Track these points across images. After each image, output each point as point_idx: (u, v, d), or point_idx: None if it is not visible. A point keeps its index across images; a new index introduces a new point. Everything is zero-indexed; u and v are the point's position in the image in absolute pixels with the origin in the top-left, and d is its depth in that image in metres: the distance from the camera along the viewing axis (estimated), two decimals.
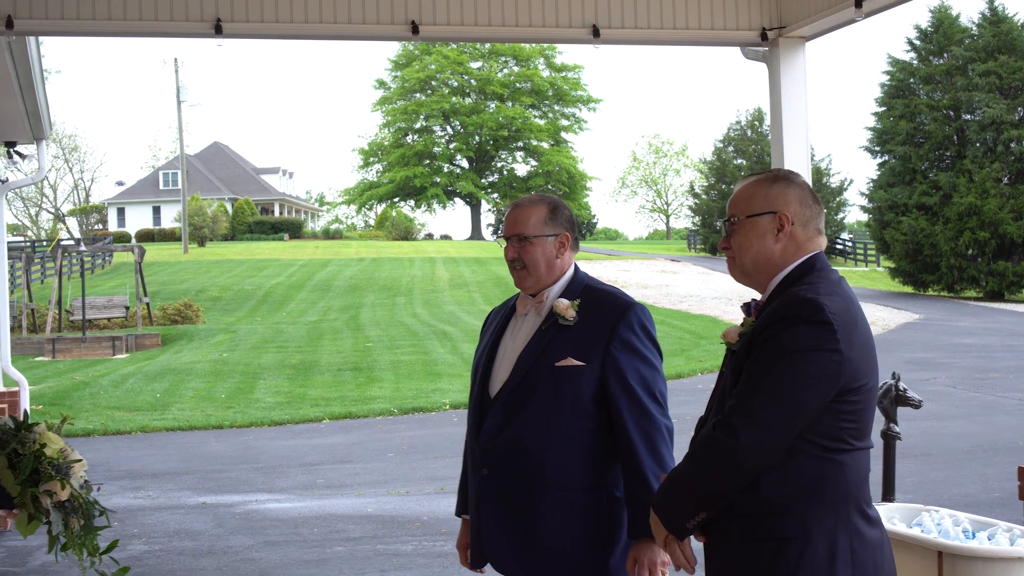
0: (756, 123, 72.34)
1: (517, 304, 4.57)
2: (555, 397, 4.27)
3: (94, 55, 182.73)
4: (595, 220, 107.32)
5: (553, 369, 4.29)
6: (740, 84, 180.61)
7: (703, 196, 75.15)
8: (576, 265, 4.56)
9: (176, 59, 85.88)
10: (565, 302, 4.36)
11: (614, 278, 49.24)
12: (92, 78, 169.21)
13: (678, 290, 44.95)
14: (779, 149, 7.91)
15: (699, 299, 41.09)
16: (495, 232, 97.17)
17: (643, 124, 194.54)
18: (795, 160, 7.88)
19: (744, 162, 71.35)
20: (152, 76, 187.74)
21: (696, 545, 3.67)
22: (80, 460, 3.59)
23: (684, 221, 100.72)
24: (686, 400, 19.85)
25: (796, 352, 3.33)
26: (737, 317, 33.23)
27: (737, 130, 73.21)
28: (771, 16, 7.87)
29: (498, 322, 4.62)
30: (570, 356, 4.28)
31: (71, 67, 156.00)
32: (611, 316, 4.33)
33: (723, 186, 72.03)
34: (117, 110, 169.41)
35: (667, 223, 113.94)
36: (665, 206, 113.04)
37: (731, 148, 73.15)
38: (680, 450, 3.68)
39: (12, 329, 17.79)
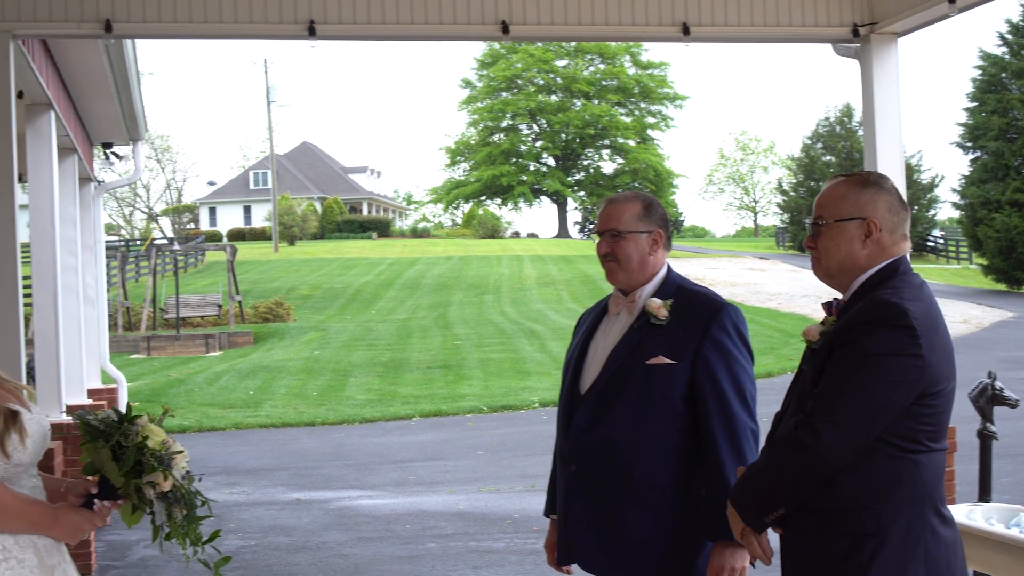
0: (845, 119, 71.35)
1: (609, 304, 4.58)
2: (646, 395, 4.28)
3: (185, 57, 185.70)
4: (682, 218, 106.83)
5: (644, 367, 4.29)
6: (829, 80, 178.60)
7: (791, 193, 74.30)
8: (668, 265, 4.55)
9: (265, 60, 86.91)
10: (657, 301, 4.37)
11: (702, 276, 48.92)
12: (183, 79, 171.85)
13: (767, 288, 44.56)
14: (871, 146, 7.84)
15: (788, 297, 40.73)
16: (582, 230, 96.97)
17: (730, 121, 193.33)
18: (888, 157, 7.80)
19: (833, 159, 70.45)
20: (242, 77, 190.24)
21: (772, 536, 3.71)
22: (182, 451, 3.66)
23: (772, 218, 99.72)
24: (776, 399, 19.63)
25: (879, 355, 3.39)
26: None
27: (826, 126, 72.26)
28: (863, 12, 7.80)
29: (590, 321, 4.64)
30: (661, 355, 4.28)
31: (163, 69, 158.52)
32: (704, 316, 4.33)
33: (812, 183, 71.18)
34: (208, 111, 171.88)
35: (755, 220, 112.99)
36: (753, 203, 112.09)
37: (819, 145, 72.22)
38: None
39: (108, 327, 18.21)
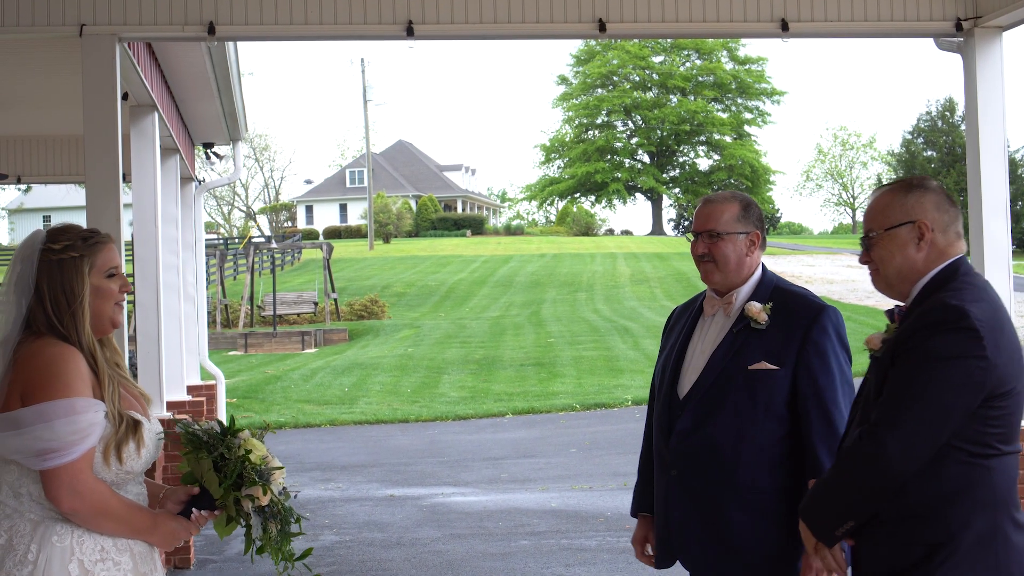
0: (947, 113, 70.30)
1: (704, 305, 4.56)
2: (748, 400, 4.28)
3: (283, 57, 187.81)
4: (778, 214, 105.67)
5: (746, 372, 4.29)
6: (930, 73, 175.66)
7: None
8: (764, 265, 4.54)
9: (363, 59, 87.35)
10: (757, 305, 4.35)
11: (799, 273, 48.41)
12: (281, 79, 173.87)
13: (865, 285, 43.83)
14: (974, 142, 7.70)
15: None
16: (676, 227, 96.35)
17: (829, 116, 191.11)
18: (991, 153, 7.66)
19: (934, 154, 69.42)
20: (339, 76, 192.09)
21: None
22: (281, 468, 3.72)
23: None
24: None
25: (941, 360, 3.35)
26: None
27: (927, 121, 71.25)
28: (966, 6, 7.66)
29: (685, 323, 4.62)
30: (763, 360, 4.28)
31: (262, 69, 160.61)
32: (804, 320, 4.32)
33: None
34: (305, 110, 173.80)
35: (853, 217, 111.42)
36: (851, 199, 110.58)
37: (921, 140, 71.22)
38: None
39: (207, 324, 18.54)
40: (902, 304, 3.64)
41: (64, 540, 3.52)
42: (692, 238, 4.52)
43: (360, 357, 28.87)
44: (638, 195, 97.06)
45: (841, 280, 46.20)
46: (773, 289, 4.44)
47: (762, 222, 4.54)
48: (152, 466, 7.96)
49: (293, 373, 26.18)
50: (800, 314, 4.34)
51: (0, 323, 3.62)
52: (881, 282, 3.70)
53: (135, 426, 3.63)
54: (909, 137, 72.07)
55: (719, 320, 4.47)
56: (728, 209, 4.46)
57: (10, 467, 3.54)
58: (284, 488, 3.74)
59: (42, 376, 3.49)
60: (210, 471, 3.62)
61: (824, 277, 47.36)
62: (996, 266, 7.55)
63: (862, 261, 3.72)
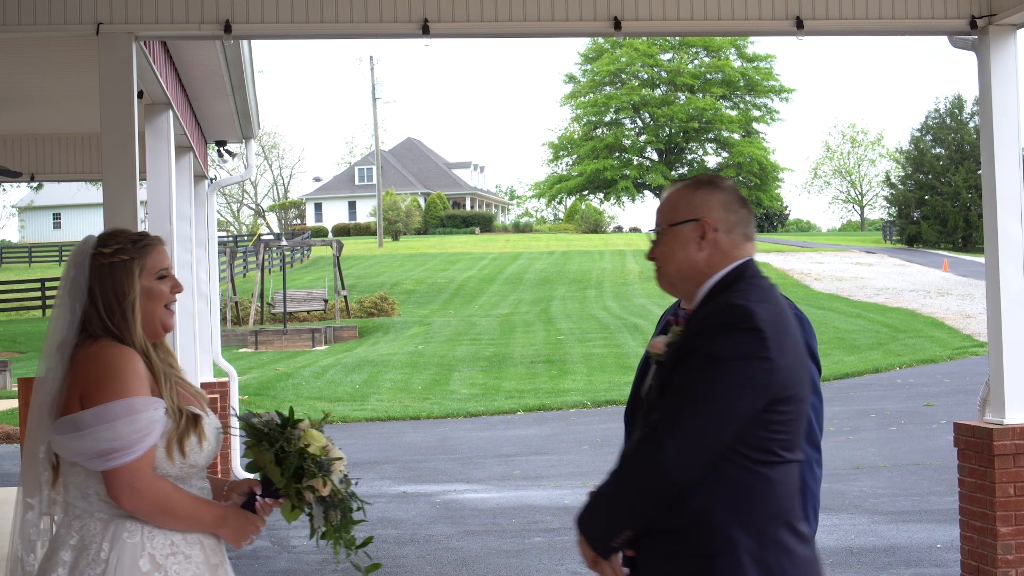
0: (956, 111, 70.08)
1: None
2: None
3: (292, 54, 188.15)
4: (787, 211, 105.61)
5: None
6: (939, 71, 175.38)
7: (899, 186, 73.23)
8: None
9: (371, 57, 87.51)
10: None
11: (807, 270, 48.39)
12: (291, 77, 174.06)
13: (874, 283, 43.90)
14: (989, 140, 7.71)
15: (896, 292, 40.07)
16: None
17: (837, 113, 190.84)
18: (1005, 152, 7.67)
19: (943, 151, 69.28)
20: (348, 74, 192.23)
21: None
22: (341, 458, 3.78)
23: (879, 212, 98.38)
24: (883, 395, 19.45)
25: (724, 360, 3.22)
26: (936, 310, 32.30)
27: (936, 118, 71.05)
28: (981, 4, 7.66)
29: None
30: None
31: (271, 67, 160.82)
32: None
33: (920, 176, 70.08)
34: (315, 108, 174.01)
35: (861, 214, 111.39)
36: (859, 197, 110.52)
37: (929, 137, 71.06)
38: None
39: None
40: (687, 308, 3.52)
41: (134, 536, 3.57)
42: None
43: (370, 354, 28.92)
44: (647, 192, 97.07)
45: (850, 277, 46.19)
46: None
47: None
48: None
49: (304, 370, 26.23)
50: None
51: (56, 328, 3.67)
52: (664, 280, 3.59)
53: (195, 420, 3.68)
54: (918, 134, 71.86)
55: None
56: None
57: (76, 469, 3.59)
58: (345, 476, 3.79)
59: (101, 378, 3.54)
60: (271, 463, 3.67)
61: (833, 274, 47.34)
62: (1010, 263, 7.55)
63: (648, 257, 3.60)
